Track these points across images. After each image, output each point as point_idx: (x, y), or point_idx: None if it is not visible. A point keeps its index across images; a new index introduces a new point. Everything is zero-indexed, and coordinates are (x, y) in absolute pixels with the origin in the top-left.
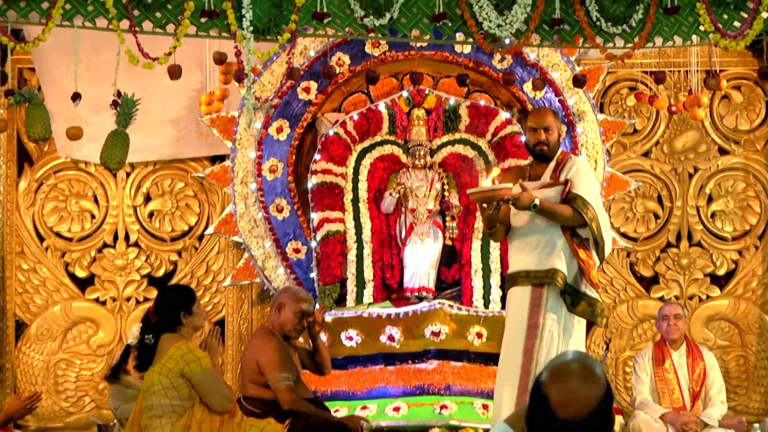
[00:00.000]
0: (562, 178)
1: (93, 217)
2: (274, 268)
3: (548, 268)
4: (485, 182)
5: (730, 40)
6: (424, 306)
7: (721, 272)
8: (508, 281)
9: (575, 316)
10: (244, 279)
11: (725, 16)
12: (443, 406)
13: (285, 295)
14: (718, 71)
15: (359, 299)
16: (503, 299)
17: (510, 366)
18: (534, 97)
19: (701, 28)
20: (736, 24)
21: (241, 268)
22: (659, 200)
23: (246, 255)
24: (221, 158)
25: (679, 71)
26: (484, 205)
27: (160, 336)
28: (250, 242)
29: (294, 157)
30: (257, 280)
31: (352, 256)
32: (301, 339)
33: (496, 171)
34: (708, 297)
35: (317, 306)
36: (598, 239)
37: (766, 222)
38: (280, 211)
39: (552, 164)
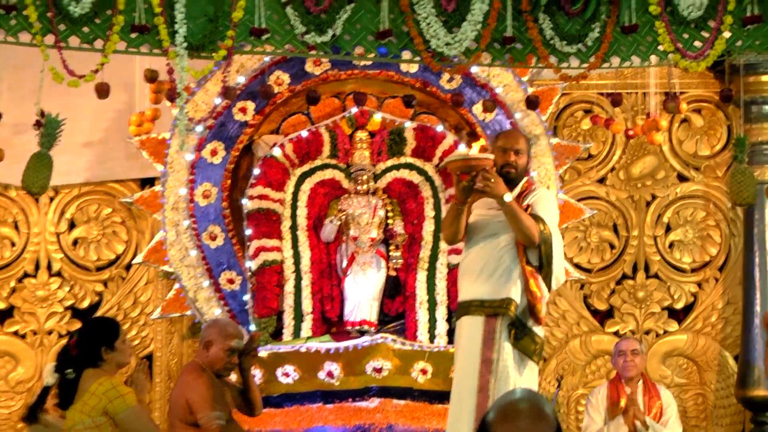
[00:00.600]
0: (524, 204)
1: (13, 244)
2: (206, 300)
3: (503, 297)
4: (469, 151)
5: (691, 60)
6: (365, 340)
7: (680, 306)
8: (458, 310)
9: None
10: (174, 311)
11: (685, 36)
12: None
13: (212, 331)
14: (677, 93)
15: (297, 333)
16: (450, 333)
17: (464, 405)
18: (484, 120)
19: (660, 48)
20: (697, 44)
21: (171, 299)
22: (615, 229)
23: (176, 286)
24: (150, 182)
25: (637, 93)
26: (462, 176)
27: (81, 371)
28: (180, 272)
29: (229, 181)
30: (188, 312)
31: (289, 287)
32: (234, 376)
33: (478, 145)
34: (665, 332)
35: (248, 334)
36: (544, 263)
37: (726, 253)
38: (213, 239)
39: (516, 190)
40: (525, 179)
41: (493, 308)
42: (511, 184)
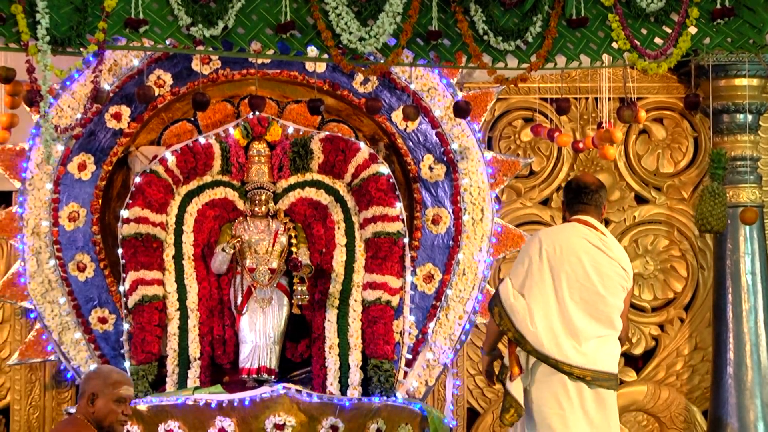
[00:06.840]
0: None
1: None
2: (73, 343)
3: None
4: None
5: (650, 60)
6: (264, 392)
7: (638, 351)
8: None
9: None
10: (34, 356)
11: (644, 31)
12: None
13: (95, 382)
14: (634, 99)
15: (182, 383)
16: (365, 383)
17: None
18: (405, 129)
19: (614, 45)
20: (658, 41)
21: (32, 341)
22: None
23: (38, 326)
24: (6, 201)
25: (587, 99)
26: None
27: None
28: (43, 309)
29: (100, 201)
30: (52, 357)
31: (173, 327)
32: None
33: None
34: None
35: None
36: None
37: (694, 289)
38: (81, 269)
39: None
40: None
41: None
42: None
